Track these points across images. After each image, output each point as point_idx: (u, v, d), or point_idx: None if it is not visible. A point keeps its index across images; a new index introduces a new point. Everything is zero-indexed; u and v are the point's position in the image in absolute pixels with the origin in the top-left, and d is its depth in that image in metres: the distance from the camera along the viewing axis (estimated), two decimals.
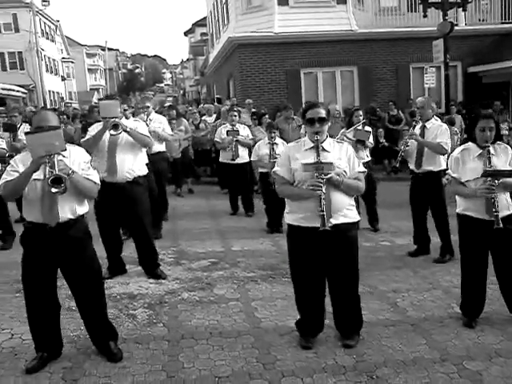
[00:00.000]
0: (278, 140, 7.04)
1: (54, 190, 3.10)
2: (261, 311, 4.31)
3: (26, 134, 3.25)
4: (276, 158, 6.64)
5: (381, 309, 4.31)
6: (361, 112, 6.98)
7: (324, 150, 3.50)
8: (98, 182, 3.51)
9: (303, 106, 3.81)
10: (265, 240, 6.57)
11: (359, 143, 6.65)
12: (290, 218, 3.60)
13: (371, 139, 6.91)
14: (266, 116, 10.18)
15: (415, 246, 5.83)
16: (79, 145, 4.77)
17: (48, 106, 26.60)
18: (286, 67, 14.34)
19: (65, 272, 3.48)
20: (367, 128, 6.95)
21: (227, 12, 16.55)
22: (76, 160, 3.41)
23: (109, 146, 4.96)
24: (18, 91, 22.27)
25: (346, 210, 3.51)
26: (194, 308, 4.40)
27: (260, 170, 7.24)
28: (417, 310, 4.29)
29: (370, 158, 6.95)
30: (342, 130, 7.05)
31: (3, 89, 20.40)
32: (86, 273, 3.48)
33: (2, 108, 10.68)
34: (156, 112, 12.68)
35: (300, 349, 3.62)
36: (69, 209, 3.35)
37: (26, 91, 24.00)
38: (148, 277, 5.20)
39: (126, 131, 4.89)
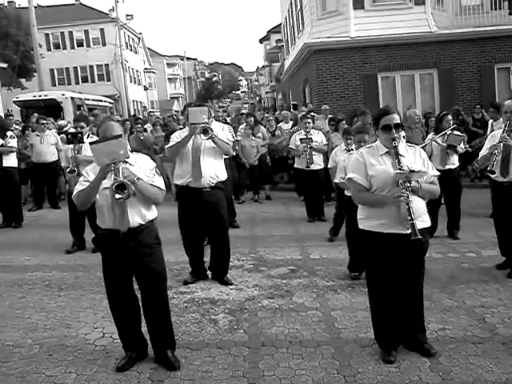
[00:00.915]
0: (354, 146, 6.95)
1: (117, 196, 3.23)
2: (341, 321, 4.26)
3: (91, 143, 3.39)
4: None
5: (469, 324, 4.11)
6: (450, 117, 6.85)
7: (400, 155, 3.44)
8: (164, 188, 3.60)
9: (375, 112, 3.73)
10: (344, 248, 6.47)
11: (450, 148, 6.50)
12: (366, 224, 3.55)
13: (462, 144, 6.70)
14: (343, 122, 10.07)
15: (503, 258, 5.52)
16: (161, 151, 4.99)
17: (132, 115, 27.89)
18: (363, 72, 14.13)
19: (136, 276, 3.61)
20: (457, 133, 6.73)
21: (302, 18, 16.58)
22: (142, 167, 3.53)
23: (193, 152, 5.08)
24: (105, 101, 23.56)
25: (424, 215, 3.49)
26: (273, 315, 4.44)
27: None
28: (508, 327, 4.05)
29: (458, 164, 6.74)
30: (430, 135, 6.90)
31: (93, 100, 21.66)
32: (153, 277, 3.58)
33: (92, 118, 11.33)
34: (232, 119, 12.94)
35: (382, 362, 3.54)
36: (138, 214, 3.47)
37: (112, 101, 25.32)
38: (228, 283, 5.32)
39: (212, 137, 5.00)
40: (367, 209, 3.56)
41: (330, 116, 11.76)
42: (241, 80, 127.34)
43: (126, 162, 3.44)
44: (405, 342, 3.70)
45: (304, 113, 10.56)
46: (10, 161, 8.35)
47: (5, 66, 23.36)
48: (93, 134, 6.98)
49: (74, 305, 4.87)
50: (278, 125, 11.68)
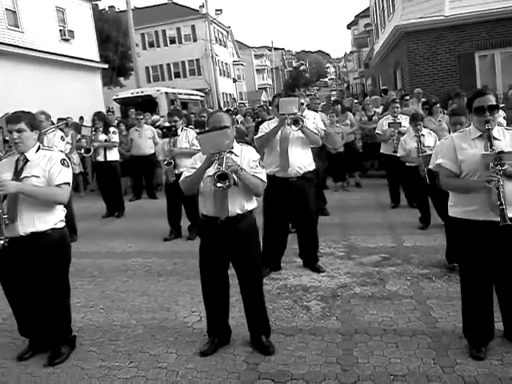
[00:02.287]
0: (425, 131, 6.63)
1: (219, 184, 3.31)
2: (437, 311, 4.12)
3: (198, 133, 3.55)
4: (425, 150, 6.28)
5: None
6: None
7: (494, 138, 3.24)
8: (265, 180, 3.65)
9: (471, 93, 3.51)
10: (438, 236, 6.23)
11: None
12: (456, 211, 3.40)
13: None
14: (438, 105, 9.61)
15: None
16: (252, 141, 5.09)
17: (222, 107, 28.57)
18: (459, 51, 13.34)
19: (234, 264, 3.72)
20: None
21: (393, 0, 15.98)
22: (246, 158, 3.61)
23: (281, 142, 5.13)
24: (196, 95, 24.30)
25: None
26: (366, 303, 4.39)
27: (408, 164, 6.75)
28: None
29: None
30: None
31: (185, 94, 22.44)
32: (250, 266, 3.67)
33: (185, 111, 11.79)
34: (323, 106, 12.81)
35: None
36: (238, 204, 3.56)
37: (203, 95, 26.08)
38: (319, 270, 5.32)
39: (302, 127, 5.01)
40: (457, 195, 3.40)
41: (424, 100, 11.28)
42: (328, 67, 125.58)
43: (232, 153, 3.54)
44: (506, 335, 3.50)
45: (394, 97, 10.24)
46: (113, 155, 8.92)
47: (106, 66, 24.89)
48: (186, 126, 7.28)
49: (172, 289, 5.14)
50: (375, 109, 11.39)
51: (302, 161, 5.19)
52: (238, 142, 3.75)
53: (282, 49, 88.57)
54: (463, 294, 3.52)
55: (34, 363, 3.79)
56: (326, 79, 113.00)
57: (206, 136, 3.43)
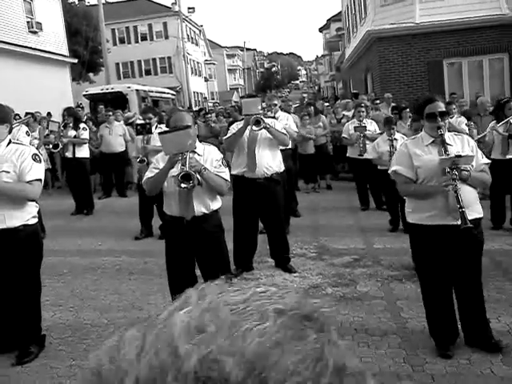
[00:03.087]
0: (398, 135, 6.78)
1: (183, 185, 3.32)
2: (406, 311, 4.22)
3: (160, 133, 3.53)
4: None
5: None
6: None
7: (447, 143, 3.34)
8: (229, 179, 3.67)
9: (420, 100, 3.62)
10: (408, 238, 6.37)
11: None
12: (414, 217, 3.47)
13: None
14: (407, 110, 9.83)
15: None
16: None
17: (193, 107, 28.45)
18: (428, 58, 13.68)
19: (199, 263, 3.72)
20: None
21: (365, 5, 16.24)
22: (209, 157, 3.63)
23: (249, 143, 5.16)
24: (168, 93, 24.10)
25: (475, 205, 3.36)
26: (338, 303, 4.45)
27: (380, 167, 6.86)
28: None
29: None
30: (491, 124, 6.56)
31: (156, 92, 22.24)
32: (217, 265, 3.67)
33: (156, 109, 11.64)
34: (295, 108, 12.89)
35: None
36: (203, 204, 3.58)
37: (174, 93, 25.89)
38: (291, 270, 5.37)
39: (266, 128, 5.06)
40: (415, 201, 3.48)
41: (393, 104, 11.51)
42: (300, 70, 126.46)
43: (194, 152, 3.54)
44: (466, 339, 3.56)
45: (358, 102, 10.42)
46: (83, 152, 8.76)
47: (75, 61, 24.43)
48: (159, 124, 7.21)
49: (144, 288, 5.10)
50: (343, 113, 11.56)
51: (269, 162, 5.22)
52: (200, 142, 3.75)
53: (254, 49, 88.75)
54: (424, 297, 3.59)
55: (1, 362, 3.70)
56: (298, 81, 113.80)
57: (169, 136, 3.40)
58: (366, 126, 8.13)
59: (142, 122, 7.16)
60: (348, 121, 10.63)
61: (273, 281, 5.13)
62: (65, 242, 7.06)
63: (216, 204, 3.68)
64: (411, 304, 4.34)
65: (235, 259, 5.39)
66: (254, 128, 5.02)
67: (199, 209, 3.55)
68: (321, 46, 50.75)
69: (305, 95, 31.33)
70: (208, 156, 3.63)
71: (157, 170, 3.54)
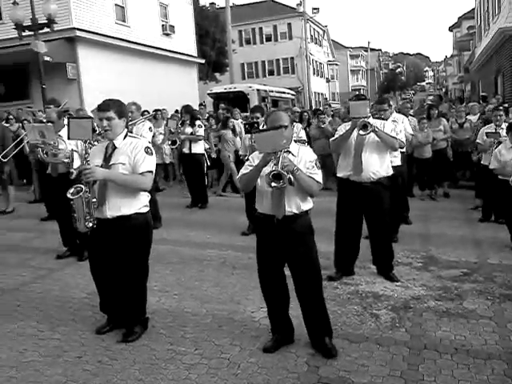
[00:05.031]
0: None
1: (273, 184, 3.31)
2: None
3: (254, 132, 3.59)
4: None
5: None
6: None
7: None
8: (321, 181, 3.60)
9: None
10: None
11: None
12: None
13: None
14: None
15: None
16: None
17: (313, 107, 28.47)
18: None
19: (288, 262, 3.71)
20: None
21: (498, 1, 15.02)
22: (303, 158, 3.60)
23: (355, 146, 5.04)
24: (288, 93, 24.44)
25: None
26: (439, 319, 4.20)
27: (501, 177, 6.24)
28: None
29: None
30: None
31: (276, 92, 22.66)
32: (306, 266, 3.64)
33: (274, 108, 11.89)
34: (415, 111, 12.37)
35: None
36: (294, 204, 3.56)
37: (294, 93, 26.17)
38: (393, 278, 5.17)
39: (374, 131, 4.91)
40: None
41: None
42: (426, 71, 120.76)
43: (289, 152, 3.55)
44: None
45: (494, 105, 9.64)
46: (198, 147, 9.22)
47: (203, 61, 25.74)
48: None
49: (244, 283, 5.23)
50: (467, 117, 10.82)
51: (377, 166, 5.06)
52: (295, 142, 3.75)
53: (379, 50, 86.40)
54: None
55: (109, 338, 4.05)
56: (424, 83, 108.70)
57: (262, 135, 3.45)
58: (499, 133, 7.45)
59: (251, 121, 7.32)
60: (473, 125, 9.97)
61: (372, 288, 4.97)
62: (177, 232, 7.49)
63: (307, 205, 3.66)
64: None
65: (336, 262, 5.33)
66: (361, 132, 4.91)
67: (290, 208, 3.57)
68: (450, 45, 47.94)
69: (430, 97, 29.86)
70: (302, 157, 3.63)
71: (251, 167, 3.61)
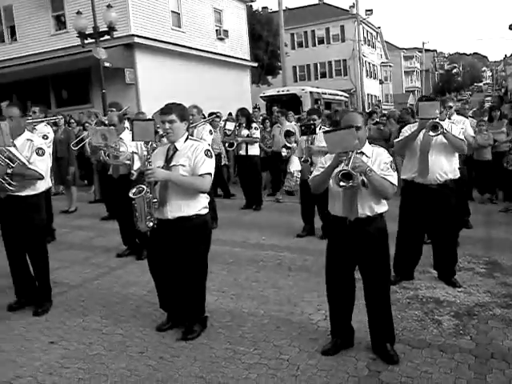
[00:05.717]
0: None
1: (341, 183, 3.26)
2: None
3: (324, 132, 3.56)
4: None
5: None
6: None
7: None
8: (396, 183, 3.52)
9: None
10: None
11: None
12: None
13: None
14: None
15: None
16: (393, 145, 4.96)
17: (366, 109, 28.09)
18: None
19: (360, 266, 3.64)
20: None
21: None
22: (377, 160, 3.53)
23: (421, 147, 4.92)
24: (341, 96, 24.24)
25: None
26: (506, 327, 4.03)
27: None
28: None
29: None
30: None
31: (329, 94, 22.53)
32: (377, 271, 3.57)
33: (327, 111, 11.86)
34: (474, 112, 11.96)
35: None
36: (367, 206, 3.49)
37: (347, 95, 25.91)
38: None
39: (443, 133, 4.78)
40: None
41: None
42: (484, 71, 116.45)
43: (363, 154, 3.51)
44: None
45: None
46: (254, 150, 9.29)
47: (255, 64, 25.93)
48: (324, 125, 7.33)
49: (300, 285, 5.22)
50: None
51: (444, 168, 4.92)
52: (369, 143, 3.68)
53: (434, 50, 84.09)
54: None
55: (170, 335, 4.13)
56: (481, 84, 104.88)
57: (333, 135, 3.41)
58: None
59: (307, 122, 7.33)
60: None
61: (433, 293, 4.84)
62: (232, 233, 7.56)
63: (381, 207, 3.58)
64: None
65: (395, 266, 5.21)
66: (431, 133, 4.78)
67: (363, 211, 3.50)
68: (511, 44, 45.97)
69: (488, 98, 28.77)
70: (376, 158, 3.56)
71: (323, 169, 3.58)
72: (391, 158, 3.59)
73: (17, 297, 4.88)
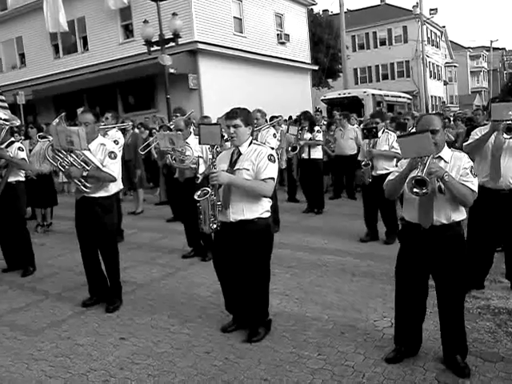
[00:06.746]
0: None
1: (414, 190, 3.14)
2: None
3: (398, 137, 3.49)
4: None
5: None
6: None
7: None
8: (476, 190, 3.38)
9: None
10: None
11: None
12: None
13: None
14: None
15: None
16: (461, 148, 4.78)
17: (430, 111, 27.29)
18: None
19: (434, 275, 3.53)
20: None
21: None
22: (456, 165, 3.40)
23: (493, 150, 4.74)
24: (403, 97, 23.70)
25: None
26: None
27: None
28: None
29: None
30: None
31: (392, 96, 22.08)
32: (452, 280, 3.44)
33: (390, 114, 11.61)
34: None
35: None
36: (443, 213, 3.37)
37: (410, 97, 25.29)
38: None
39: None
40: None
41: None
42: None
43: (441, 158, 3.41)
44: None
45: None
46: (317, 153, 9.26)
47: (316, 68, 25.83)
48: (387, 129, 7.20)
49: (364, 291, 5.15)
50: None
51: None
52: (449, 148, 3.56)
53: (503, 49, 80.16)
54: None
55: (235, 337, 4.19)
56: None
57: (406, 139, 3.33)
58: None
59: (370, 126, 7.24)
60: None
61: (506, 304, 4.63)
62: (294, 237, 7.56)
63: (459, 215, 3.43)
64: None
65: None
66: (506, 136, 4.59)
67: (439, 218, 3.38)
68: None
69: None
70: (455, 163, 3.42)
71: (398, 174, 3.51)
72: (472, 163, 3.45)
73: (90, 294, 5.13)
